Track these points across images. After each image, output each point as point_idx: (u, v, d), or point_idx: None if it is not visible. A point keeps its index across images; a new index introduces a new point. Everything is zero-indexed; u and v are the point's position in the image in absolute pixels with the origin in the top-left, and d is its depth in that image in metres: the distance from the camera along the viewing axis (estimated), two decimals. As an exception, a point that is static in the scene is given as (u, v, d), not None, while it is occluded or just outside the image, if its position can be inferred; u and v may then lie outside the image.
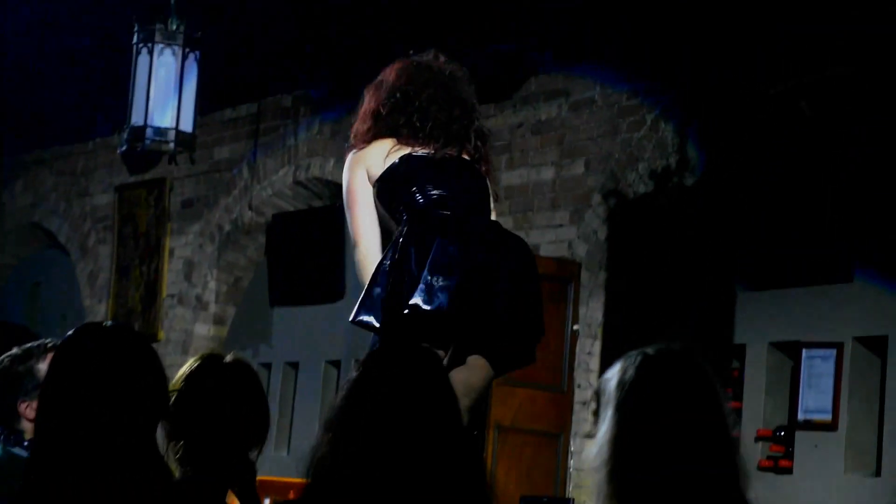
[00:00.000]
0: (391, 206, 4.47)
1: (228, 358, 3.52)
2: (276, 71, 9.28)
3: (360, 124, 4.58)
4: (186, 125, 7.73)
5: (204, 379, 3.45)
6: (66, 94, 10.10)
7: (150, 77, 7.63)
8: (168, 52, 7.62)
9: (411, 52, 4.72)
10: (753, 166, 7.28)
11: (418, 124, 4.45)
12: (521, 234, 8.21)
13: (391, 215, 4.49)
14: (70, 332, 2.94)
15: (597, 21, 7.58)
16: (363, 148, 4.53)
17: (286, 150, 9.68)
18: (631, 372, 2.69)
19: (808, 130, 7.01)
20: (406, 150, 4.45)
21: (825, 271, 7.12)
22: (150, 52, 7.59)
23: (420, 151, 4.46)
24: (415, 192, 4.40)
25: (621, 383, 2.69)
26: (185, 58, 7.65)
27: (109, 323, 3.01)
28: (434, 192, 4.41)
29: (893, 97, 6.68)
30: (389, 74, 4.57)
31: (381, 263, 4.37)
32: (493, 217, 4.57)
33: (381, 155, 4.46)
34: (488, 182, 4.57)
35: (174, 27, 7.57)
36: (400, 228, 4.39)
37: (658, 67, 7.51)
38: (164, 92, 7.66)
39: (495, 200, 4.63)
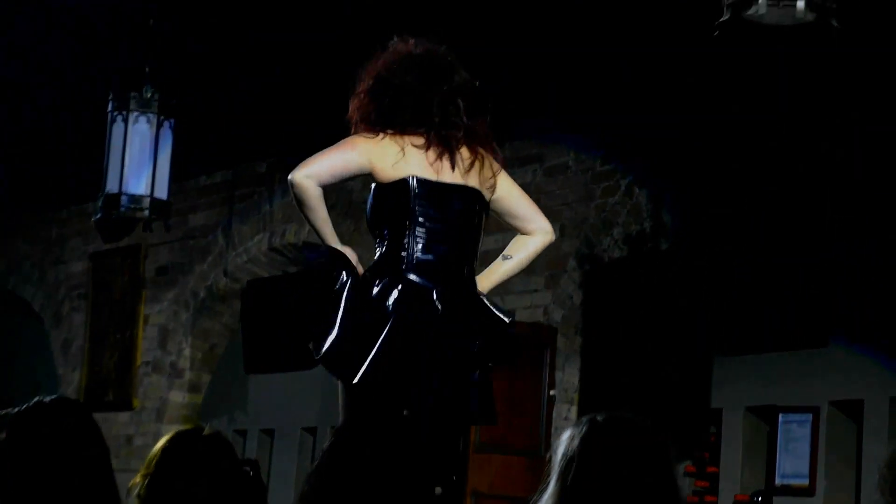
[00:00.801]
0: (381, 214, 4.39)
1: (205, 432, 3.45)
2: (250, 138, 9.30)
3: (357, 109, 4.42)
4: (161, 192, 7.71)
5: (177, 460, 3.37)
6: (39, 162, 10.09)
7: (124, 144, 7.62)
8: (143, 119, 7.61)
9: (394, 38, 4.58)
10: (728, 231, 7.30)
11: (409, 113, 4.32)
12: (496, 299, 8.22)
13: (375, 218, 4.42)
14: (18, 409, 2.97)
15: (570, 88, 7.62)
16: (371, 139, 4.36)
17: (261, 217, 9.68)
18: (576, 442, 2.63)
19: (782, 197, 7.05)
20: (410, 161, 4.30)
21: (800, 336, 7.14)
22: (125, 120, 7.59)
23: (422, 167, 4.30)
24: (405, 244, 4.32)
25: (566, 454, 2.63)
26: (159, 125, 7.64)
27: (49, 399, 3.02)
28: (425, 251, 4.29)
29: (862, 163, 6.72)
30: (376, 62, 4.45)
31: (351, 307, 4.31)
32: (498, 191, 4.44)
33: (389, 160, 4.31)
34: (488, 164, 4.39)
35: (149, 95, 7.57)
36: (382, 283, 4.30)
37: (631, 133, 7.55)
38: (139, 159, 7.65)
39: (500, 168, 4.45)
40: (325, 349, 4.31)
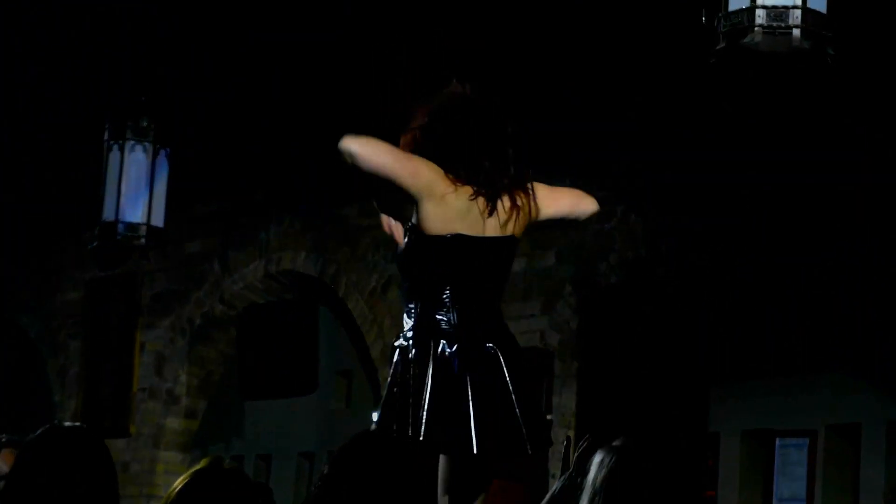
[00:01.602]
0: (420, 266, 4.31)
1: (226, 465, 3.42)
2: (247, 166, 9.32)
3: (408, 145, 4.32)
4: (157, 220, 7.75)
5: (200, 497, 3.34)
6: (37, 190, 10.10)
7: (121, 173, 7.66)
8: (139, 148, 7.65)
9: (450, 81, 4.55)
10: (723, 257, 7.32)
11: (461, 159, 4.25)
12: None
13: (411, 267, 4.35)
14: (34, 434, 2.99)
15: (565, 114, 7.64)
16: (439, 173, 4.24)
17: (257, 244, 9.69)
18: (604, 472, 2.61)
19: (780, 219, 7.07)
20: (459, 215, 4.23)
21: (797, 361, 7.15)
22: (122, 149, 7.62)
23: (469, 223, 4.24)
24: (445, 302, 4.25)
25: (594, 484, 2.60)
26: (155, 154, 7.68)
27: (67, 424, 3.05)
28: (464, 307, 4.24)
29: (857, 186, 6.75)
30: (429, 102, 4.39)
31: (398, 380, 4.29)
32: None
33: (442, 209, 4.23)
34: (526, 204, 4.34)
35: (145, 124, 7.61)
36: (428, 346, 4.27)
37: (626, 160, 7.57)
38: (136, 188, 7.69)
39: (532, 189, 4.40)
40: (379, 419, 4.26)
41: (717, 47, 4.71)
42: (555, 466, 7.69)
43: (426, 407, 4.16)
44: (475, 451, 4.16)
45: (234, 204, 9.88)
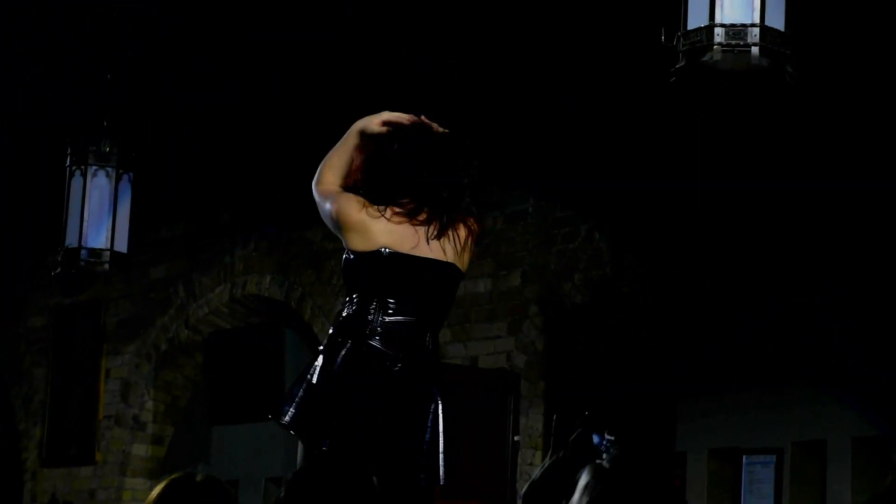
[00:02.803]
0: (352, 280, 4.41)
1: (198, 478, 3.43)
2: (210, 189, 9.30)
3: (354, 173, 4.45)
4: (121, 245, 7.70)
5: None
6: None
7: (83, 198, 7.61)
8: (101, 173, 7.60)
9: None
10: (689, 275, 7.33)
11: (400, 185, 4.36)
12: (459, 346, 8.26)
13: (346, 282, 4.44)
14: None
15: (529, 134, 7.65)
16: (356, 204, 4.36)
17: (222, 268, 9.67)
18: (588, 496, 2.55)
19: (744, 235, 7.09)
20: (386, 232, 4.33)
21: (763, 378, 7.17)
22: (84, 174, 7.58)
23: (399, 239, 4.33)
24: (371, 311, 4.36)
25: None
26: (118, 179, 7.63)
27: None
28: (390, 319, 4.33)
29: (823, 200, 6.78)
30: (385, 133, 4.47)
31: (312, 379, 4.35)
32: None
33: (364, 231, 4.34)
34: (466, 246, 4.40)
35: (107, 149, 7.57)
36: (345, 349, 4.35)
37: (589, 179, 7.58)
38: (98, 213, 7.64)
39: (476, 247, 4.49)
40: (290, 414, 4.29)
41: (677, 66, 4.72)
42: (521, 487, 7.68)
43: (324, 411, 4.24)
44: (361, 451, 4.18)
45: (198, 227, 9.86)
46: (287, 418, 4.32)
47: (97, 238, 7.67)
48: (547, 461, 2.88)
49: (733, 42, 4.65)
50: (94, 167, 7.57)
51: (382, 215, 4.34)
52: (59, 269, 7.74)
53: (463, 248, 4.40)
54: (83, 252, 7.63)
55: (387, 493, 3.91)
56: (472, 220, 4.44)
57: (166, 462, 10.19)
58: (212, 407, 9.90)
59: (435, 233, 4.35)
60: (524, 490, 2.80)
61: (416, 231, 4.35)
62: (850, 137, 6.59)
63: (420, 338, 4.36)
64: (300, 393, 4.33)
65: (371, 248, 4.34)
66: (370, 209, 4.35)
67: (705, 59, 4.67)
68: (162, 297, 10.03)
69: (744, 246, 7.08)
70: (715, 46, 4.66)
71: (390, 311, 4.34)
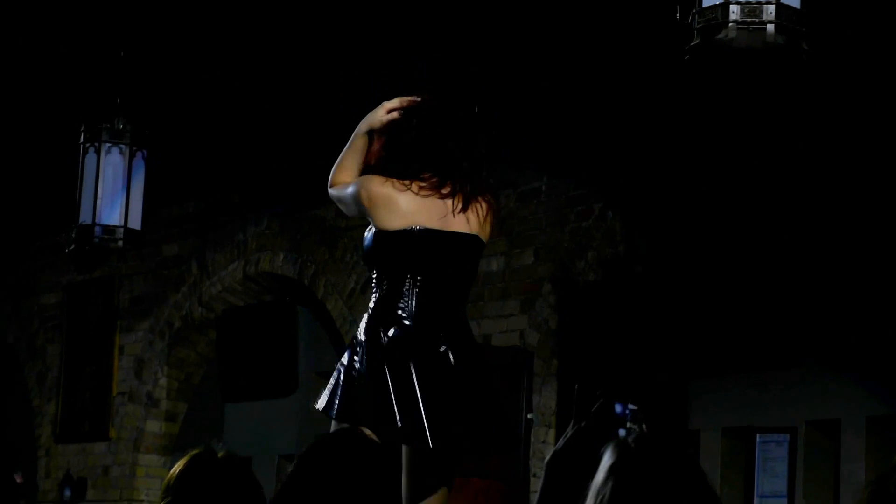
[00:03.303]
0: (381, 260, 4.39)
1: (220, 454, 3.44)
2: (223, 167, 9.29)
3: (375, 153, 4.47)
4: (135, 223, 7.70)
5: (198, 481, 3.36)
6: (11, 194, 10.07)
7: (97, 176, 7.60)
8: (115, 150, 7.59)
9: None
10: (703, 253, 7.32)
11: (423, 160, 4.36)
12: (472, 324, 8.22)
13: (374, 263, 4.41)
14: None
15: (542, 113, 7.64)
16: (381, 184, 4.35)
17: (235, 246, 9.67)
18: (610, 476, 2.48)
19: (758, 215, 7.07)
20: (414, 209, 4.32)
21: (776, 357, 7.16)
22: (97, 152, 7.57)
23: (428, 216, 4.32)
24: (405, 292, 4.33)
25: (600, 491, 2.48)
26: (132, 156, 7.63)
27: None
28: (425, 299, 4.31)
29: (833, 185, 6.76)
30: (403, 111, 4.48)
31: (351, 367, 4.33)
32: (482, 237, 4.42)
33: (393, 209, 4.32)
34: (488, 218, 4.41)
35: (121, 126, 7.56)
36: (375, 340, 4.32)
37: (604, 157, 7.57)
38: (112, 190, 7.64)
39: (492, 229, 4.47)
40: (336, 406, 4.29)
41: (692, 44, 4.70)
42: (535, 465, 7.68)
43: (377, 400, 4.20)
44: (430, 445, 4.20)
45: (211, 205, 9.87)
46: (334, 411, 4.30)
47: (111, 215, 7.67)
48: (569, 431, 2.85)
49: (748, 19, 4.62)
50: (108, 144, 7.56)
51: (409, 189, 4.31)
52: (72, 246, 7.75)
53: (485, 220, 4.40)
54: (97, 229, 7.63)
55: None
56: (489, 193, 4.44)
57: (179, 439, 10.22)
58: (225, 384, 9.92)
59: (460, 205, 4.33)
60: (547, 459, 2.79)
61: (445, 204, 4.33)
62: (864, 115, 6.57)
63: (456, 314, 4.36)
64: (341, 384, 4.31)
65: (401, 225, 4.31)
66: (395, 182, 4.33)
67: (720, 36, 4.64)
68: (175, 275, 10.05)
69: (757, 224, 7.06)
70: (730, 24, 4.63)
71: (424, 290, 4.31)
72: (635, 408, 2.82)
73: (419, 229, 4.31)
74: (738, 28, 4.63)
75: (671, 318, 7.48)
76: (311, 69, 7.65)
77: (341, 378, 4.33)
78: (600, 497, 2.41)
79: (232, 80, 7.99)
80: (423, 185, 4.33)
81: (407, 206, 4.32)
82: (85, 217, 7.65)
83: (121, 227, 7.66)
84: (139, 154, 7.65)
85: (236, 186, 9.63)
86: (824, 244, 6.90)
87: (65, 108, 8.11)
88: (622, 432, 2.76)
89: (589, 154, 7.64)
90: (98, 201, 7.62)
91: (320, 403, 4.35)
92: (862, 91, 6.47)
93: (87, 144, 7.59)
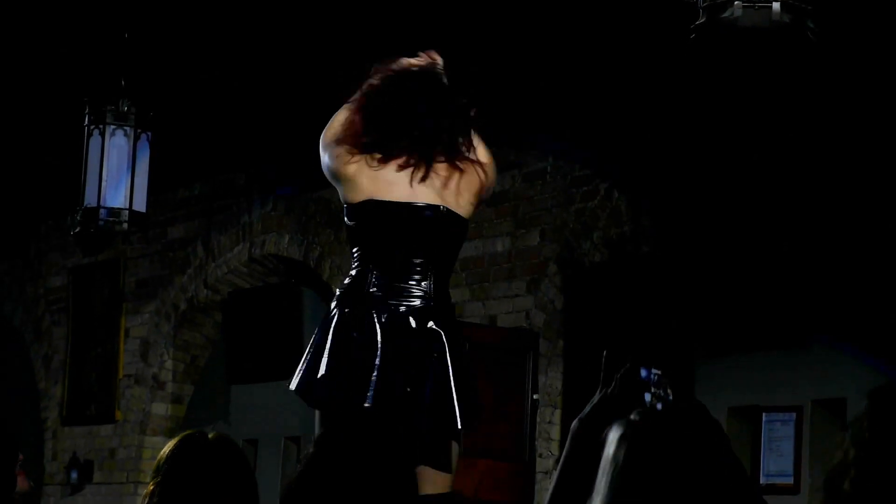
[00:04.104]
0: (350, 234, 4.38)
1: (210, 436, 3.44)
2: (228, 149, 9.29)
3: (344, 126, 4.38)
4: (140, 205, 7.70)
5: (187, 462, 3.36)
6: (16, 177, 10.07)
7: (102, 158, 7.60)
8: (120, 133, 7.59)
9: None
10: (708, 233, 7.31)
11: (388, 132, 4.28)
12: (478, 304, 8.25)
13: (347, 236, 4.42)
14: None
15: (547, 93, 7.63)
16: (343, 156, 4.31)
17: (241, 228, 9.67)
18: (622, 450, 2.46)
19: (764, 195, 7.07)
20: (375, 180, 4.27)
21: (782, 336, 7.15)
22: (102, 134, 7.57)
23: (389, 188, 4.27)
24: (371, 267, 4.30)
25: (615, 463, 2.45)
26: (136, 138, 7.62)
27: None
28: (388, 272, 4.27)
29: (840, 164, 6.75)
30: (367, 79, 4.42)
31: (323, 340, 4.29)
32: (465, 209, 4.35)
33: (355, 181, 4.29)
34: (463, 185, 4.31)
35: (125, 108, 7.56)
36: (343, 309, 4.29)
37: (609, 137, 7.56)
38: (117, 173, 7.64)
39: (483, 192, 4.39)
40: (297, 381, 4.30)
41: (697, 22, 4.68)
42: (541, 446, 7.69)
43: (326, 369, 4.19)
44: (368, 407, 4.16)
45: (216, 187, 9.86)
46: (293, 385, 4.32)
47: (116, 197, 7.67)
48: (595, 397, 2.83)
49: (754, -2, 4.61)
50: (113, 126, 7.56)
51: (369, 164, 4.25)
52: (77, 229, 7.75)
53: (458, 190, 4.30)
54: (102, 211, 7.63)
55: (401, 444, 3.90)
56: (474, 159, 4.33)
57: (186, 421, 10.23)
58: (231, 366, 9.92)
59: (421, 175, 4.25)
60: (573, 426, 2.77)
61: (404, 176, 4.26)
62: (868, 95, 6.55)
63: (419, 286, 4.28)
64: (307, 359, 4.28)
65: (360, 199, 4.27)
66: (358, 157, 4.27)
67: (726, 14, 4.63)
68: (180, 257, 10.05)
69: (763, 204, 7.05)
70: (736, 2, 4.62)
71: (386, 262, 4.27)
72: (660, 372, 2.80)
73: (375, 201, 4.26)
74: (744, 6, 4.62)
75: (677, 298, 7.48)
76: (315, 50, 7.64)
77: (307, 354, 4.30)
78: (613, 465, 2.40)
79: (237, 62, 7.98)
80: (379, 156, 4.26)
81: (365, 180, 4.27)
82: (90, 200, 7.65)
83: (126, 209, 7.66)
84: (144, 136, 7.64)
85: (241, 168, 9.62)
86: (830, 223, 6.89)
87: (69, 90, 8.11)
88: (647, 397, 2.73)
89: (594, 134, 7.63)
90: (103, 184, 7.62)
91: (292, 384, 4.34)
92: (867, 69, 6.46)
93: (92, 127, 7.59)
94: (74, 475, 10.43)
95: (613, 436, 2.46)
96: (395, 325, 4.23)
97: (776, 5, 4.60)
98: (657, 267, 7.47)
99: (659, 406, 2.67)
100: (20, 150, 9.59)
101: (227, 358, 9.95)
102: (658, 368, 2.75)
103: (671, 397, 2.79)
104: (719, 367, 7.43)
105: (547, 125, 7.80)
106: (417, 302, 4.28)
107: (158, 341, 10.18)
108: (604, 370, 2.86)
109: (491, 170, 4.42)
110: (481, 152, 4.41)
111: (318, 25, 7.40)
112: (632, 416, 2.52)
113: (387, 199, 4.26)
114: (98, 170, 7.63)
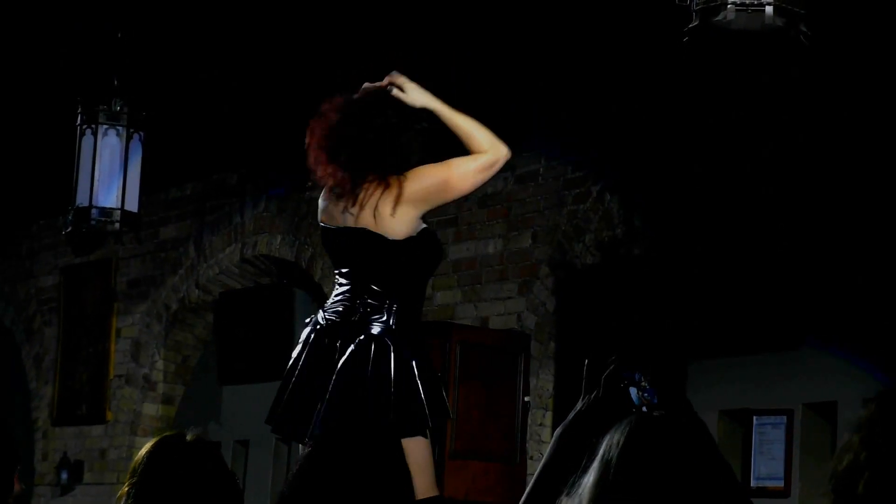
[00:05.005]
0: None
1: (189, 437, 3.40)
2: (220, 149, 9.28)
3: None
4: (132, 205, 7.70)
5: (163, 464, 3.33)
6: (7, 176, 10.06)
7: (94, 158, 7.61)
8: (112, 132, 7.59)
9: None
10: (699, 236, 7.32)
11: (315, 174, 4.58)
12: (470, 306, 8.26)
13: None
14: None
15: (539, 96, 7.63)
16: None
17: (232, 228, 9.67)
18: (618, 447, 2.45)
19: (755, 197, 7.07)
20: (325, 208, 4.60)
21: (774, 339, 7.16)
22: (94, 133, 7.57)
23: (330, 214, 4.58)
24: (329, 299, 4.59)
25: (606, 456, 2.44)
26: (129, 138, 7.63)
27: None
28: (335, 293, 4.54)
29: (832, 168, 6.75)
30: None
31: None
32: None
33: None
34: (379, 206, 4.47)
35: (118, 108, 7.56)
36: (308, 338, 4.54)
37: (601, 139, 7.56)
38: (109, 172, 7.64)
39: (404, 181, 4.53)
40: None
41: (690, 25, 4.69)
42: (532, 448, 7.69)
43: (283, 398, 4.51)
44: (307, 438, 4.42)
45: (208, 187, 9.86)
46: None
47: (108, 197, 7.67)
48: (579, 404, 2.84)
49: (747, 1, 4.62)
50: (105, 126, 7.56)
51: (323, 195, 4.60)
52: (69, 229, 7.75)
53: (377, 208, 4.46)
54: (94, 211, 7.64)
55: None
56: (392, 176, 4.48)
57: (177, 421, 10.22)
58: (222, 367, 9.92)
59: (351, 202, 4.49)
60: (556, 432, 2.76)
61: (339, 203, 4.51)
62: (862, 98, 6.56)
63: (354, 304, 4.48)
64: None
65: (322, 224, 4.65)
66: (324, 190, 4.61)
67: (718, 18, 4.64)
68: (172, 257, 10.04)
69: (754, 207, 7.06)
70: (728, 5, 4.63)
71: (337, 284, 4.56)
72: (643, 373, 2.80)
73: (323, 227, 4.60)
74: (737, 10, 4.63)
75: (668, 301, 7.48)
76: (308, 49, 7.64)
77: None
78: (606, 460, 2.39)
79: (230, 62, 7.98)
80: (328, 186, 4.56)
81: (321, 212, 4.60)
82: (82, 199, 7.65)
83: (118, 209, 7.67)
84: (136, 136, 7.64)
85: (234, 168, 9.62)
86: (822, 226, 6.90)
87: (62, 89, 8.10)
88: (634, 393, 2.73)
89: (587, 137, 7.63)
90: (95, 183, 7.62)
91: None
92: (861, 71, 6.46)
93: (84, 126, 7.59)
94: (65, 475, 10.41)
95: (610, 434, 2.45)
96: (316, 342, 4.50)
97: (769, 9, 4.61)
98: (649, 269, 7.48)
99: (644, 408, 2.67)
100: (12, 148, 9.58)
101: (218, 358, 9.94)
102: (642, 370, 2.75)
103: (656, 398, 2.79)
104: (710, 369, 7.44)
105: (540, 127, 7.80)
106: (340, 318, 4.49)
107: (150, 342, 10.16)
108: (585, 378, 2.87)
109: (414, 173, 4.53)
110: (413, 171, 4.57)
111: (311, 25, 7.40)
112: (629, 418, 2.51)
113: (324, 224, 4.60)
114: (90, 169, 7.63)
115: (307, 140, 4.60)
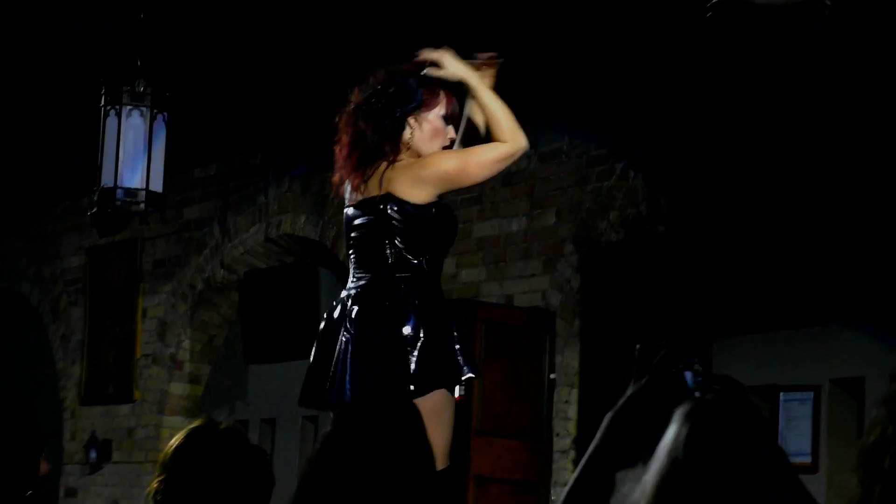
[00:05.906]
0: None
1: (222, 426, 3.28)
2: (244, 129, 9.28)
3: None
4: (156, 185, 7.72)
5: (195, 456, 3.19)
6: (33, 157, 10.08)
7: (118, 138, 7.62)
8: (136, 113, 7.61)
9: None
10: (725, 212, 7.29)
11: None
12: (495, 284, 8.25)
13: None
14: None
15: (564, 72, 7.60)
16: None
17: (257, 208, 9.68)
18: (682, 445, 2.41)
19: (783, 174, 7.04)
20: (346, 188, 4.64)
21: (800, 315, 7.13)
22: (119, 114, 7.58)
23: (349, 193, 4.63)
24: None
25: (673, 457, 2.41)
26: (153, 118, 7.64)
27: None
28: (352, 269, 4.59)
29: (858, 141, 6.72)
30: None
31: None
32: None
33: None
34: (385, 175, 4.51)
35: (141, 88, 7.57)
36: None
37: (625, 116, 7.54)
38: (134, 153, 7.65)
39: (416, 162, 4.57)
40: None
41: (714, 0, 4.67)
42: (558, 426, 7.69)
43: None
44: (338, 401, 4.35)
45: (232, 167, 9.86)
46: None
47: (132, 178, 7.69)
48: (629, 390, 2.81)
49: (771, -25, 4.60)
50: (129, 107, 7.58)
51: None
52: (94, 209, 7.77)
53: (383, 179, 4.49)
54: (119, 192, 7.66)
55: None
56: (402, 160, 4.52)
57: (203, 400, 10.26)
58: (247, 346, 9.94)
59: (359, 180, 4.53)
60: (605, 418, 2.75)
61: (353, 182, 4.56)
62: (885, 76, 6.52)
63: (353, 278, 4.54)
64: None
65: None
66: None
67: (742, -8, 4.62)
68: (197, 237, 10.06)
69: (780, 182, 7.03)
70: (752, -21, 4.61)
71: (351, 263, 4.61)
72: (697, 358, 2.78)
73: (344, 208, 4.65)
74: (761, -17, 4.61)
75: (694, 277, 7.46)
76: (332, 30, 7.63)
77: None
78: (673, 457, 2.36)
79: (253, 42, 7.97)
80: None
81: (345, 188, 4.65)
82: (107, 180, 7.67)
83: (142, 189, 7.69)
84: (160, 116, 7.66)
85: (257, 148, 9.62)
86: (848, 201, 6.86)
87: (86, 70, 8.11)
88: (689, 375, 2.70)
89: (610, 113, 7.60)
90: (119, 164, 7.64)
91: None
92: (886, 48, 6.42)
93: (108, 107, 7.61)
94: (93, 454, 10.46)
95: (671, 427, 2.42)
96: (331, 315, 4.55)
97: (793, -18, 4.59)
98: (673, 246, 7.46)
99: (697, 392, 2.64)
100: (37, 130, 9.60)
101: (243, 338, 9.96)
102: (697, 353, 2.73)
103: (711, 382, 2.76)
104: (737, 346, 7.42)
105: (563, 104, 7.78)
106: (347, 293, 4.54)
107: (175, 321, 10.19)
108: (637, 363, 2.84)
109: (432, 157, 4.57)
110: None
111: (335, 5, 7.39)
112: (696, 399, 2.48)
113: (347, 204, 4.65)
114: (115, 150, 7.65)
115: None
